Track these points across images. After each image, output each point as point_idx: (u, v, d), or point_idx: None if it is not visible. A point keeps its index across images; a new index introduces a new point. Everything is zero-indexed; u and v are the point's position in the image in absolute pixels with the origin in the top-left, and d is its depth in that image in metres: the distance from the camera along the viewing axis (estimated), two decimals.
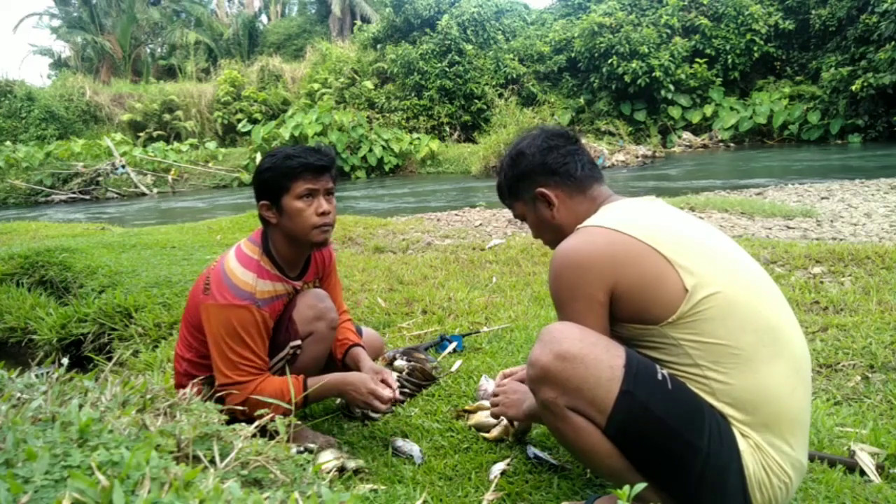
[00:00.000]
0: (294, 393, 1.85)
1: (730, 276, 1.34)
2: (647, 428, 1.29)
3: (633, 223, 1.38)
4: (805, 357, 1.38)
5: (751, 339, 1.30)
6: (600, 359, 1.30)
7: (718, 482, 1.28)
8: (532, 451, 1.91)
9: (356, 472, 1.85)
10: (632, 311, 1.37)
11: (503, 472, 1.82)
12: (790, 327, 1.38)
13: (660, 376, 1.32)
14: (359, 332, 2.39)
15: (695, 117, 18.42)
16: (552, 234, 1.60)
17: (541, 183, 1.58)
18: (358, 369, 2.10)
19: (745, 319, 1.31)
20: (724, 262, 1.37)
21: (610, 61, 18.01)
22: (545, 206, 1.59)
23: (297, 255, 2.01)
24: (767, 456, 1.30)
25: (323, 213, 1.93)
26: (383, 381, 1.98)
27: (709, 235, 1.44)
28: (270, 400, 1.62)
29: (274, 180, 1.90)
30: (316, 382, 1.96)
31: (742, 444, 1.30)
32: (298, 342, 2.00)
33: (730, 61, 18.37)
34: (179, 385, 2.04)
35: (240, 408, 1.64)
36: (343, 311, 2.29)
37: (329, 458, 1.85)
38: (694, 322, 1.31)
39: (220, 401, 1.59)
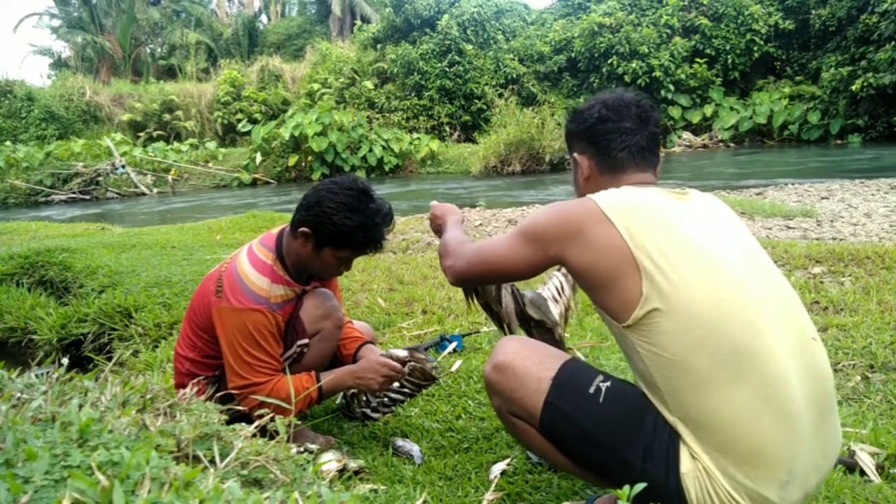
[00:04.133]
0: (313, 394, 1.90)
1: (702, 289, 1.23)
2: (573, 438, 1.36)
3: (625, 211, 1.31)
4: (784, 382, 1.21)
5: (706, 361, 1.20)
6: (529, 370, 1.39)
7: (655, 499, 1.22)
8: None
9: (356, 472, 1.85)
10: (592, 294, 1.35)
11: (503, 472, 1.82)
12: (771, 350, 1.22)
13: (592, 389, 1.34)
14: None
15: (695, 117, 18.41)
16: (579, 196, 1.56)
17: (580, 149, 1.54)
18: None
19: (703, 338, 1.21)
20: (708, 271, 1.25)
21: (610, 61, 18.01)
22: (579, 170, 1.55)
23: (304, 270, 2.05)
24: (717, 483, 1.20)
25: (340, 272, 2.04)
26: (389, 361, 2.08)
27: (714, 241, 1.30)
28: (279, 403, 1.62)
29: (334, 235, 1.87)
30: (327, 377, 1.99)
31: (688, 465, 1.23)
32: (306, 341, 2.01)
33: (730, 61, 18.36)
34: (180, 385, 2.04)
35: (258, 411, 1.64)
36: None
37: (330, 459, 1.85)
38: (648, 331, 1.24)
39: (223, 400, 1.59)
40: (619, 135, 1.47)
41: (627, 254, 1.26)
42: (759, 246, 1.39)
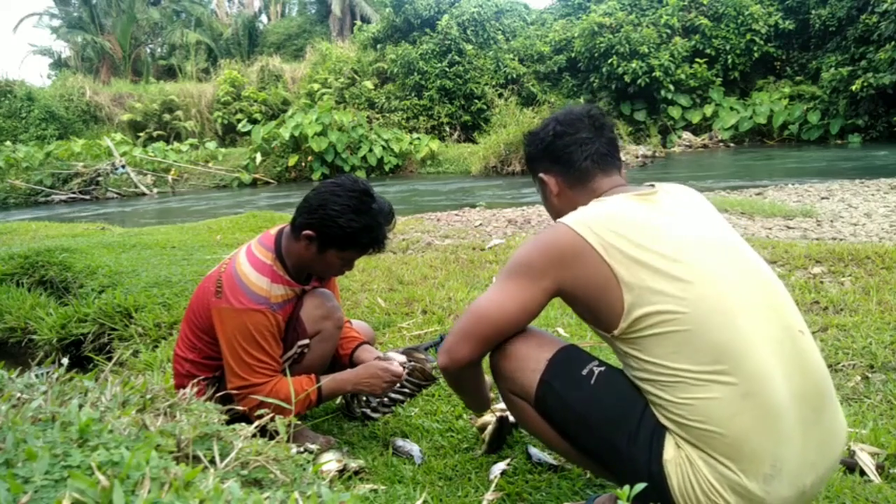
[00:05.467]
0: (312, 395, 1.91)
1: (680, 293, 1.25)
2: (564, 417, 1.41)
3: (598, 225, 1.32)
4: (765, 377, 1.22)
5: (688, 361, 1.24)
6: (528, 352, 1.45)
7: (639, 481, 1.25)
8: (532, 451, 1.91)
9: (356, 472, 1.85)
10: (586, 313, 1.40)
11: (503, 472, 1.82)
12: (751, 346, 1.23)
13: (585, 371, 1.39)
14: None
15: (695, 117, 18.41)
16: (554, 216, 1.60)
17: (543, 168, 1.58)
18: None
19: (685, 340, 1.24)
20: (684, 274, 1.26)
21: (610, 61, 18.01)
22: (547, 190, 1.58)
23: (304, 270, 2.04)
24: (699, 472, 1.24)
25: (343, 272, 2.05)
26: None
27: (687, 237, 1.32)
28: (279, 403, 1.62)
29: (339, 237, 1.88)
30: (327, 381, 1.98)
31: (671, 453, 1.27)
32: (306, 341, 2.01)
33: (730, 61, 18.36)
34: (180, 386, 2.04)
35: (258, 411, 1.64)
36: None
37: (330, 459, 1.85)
38: (635, 339, 1.29)
39: (223, 400, 1.59)
40: (577, 146, 1.51)
41: (606, 268, 1.29)
42: (737, 236, 1.40)
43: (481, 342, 1.44)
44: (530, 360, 1.44)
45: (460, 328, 1.45)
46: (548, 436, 1.49)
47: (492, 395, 1.99)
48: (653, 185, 1.46)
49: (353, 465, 1.86)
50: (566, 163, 1.52)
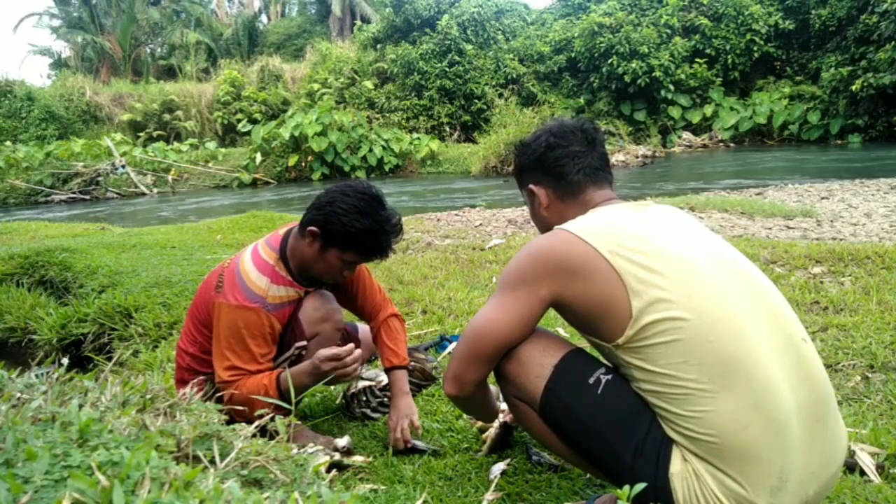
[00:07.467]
0: (270, 389, 1.85)
1: (687, 301, 1.24)
2: (569, 425, 1.38)
3: (601, 232, 1.33)
4: (772, 388, 1.21)
5: (693, 374, 1.22)
6: (533, 357, 1.41)
7: (643, 496, 1.24)
8: (532, 451, 1.91)
9: (356, 472, 1.85)
10: (582, 323, 1.37)
11: (503, 472, 1.82)
12: (757, 357, 1.22)
13: (592, 380, 1.35)
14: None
15: (695, 117, 18.41)
16: (542, 228, 1.61)
17: (534, 180, 1.58)
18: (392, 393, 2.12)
19: (690, 352, 1.22)
20: (689, 283, 1.26)
21: (610, 61, 18.01)
22: (536, 201, 1.58)
23: (308, 271, 2.02)
24: (705, 487, 1.22)
25: (343, 277, 2.03)
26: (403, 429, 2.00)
27: (688, 249, 1.33)
28: (271, 400, 1.62)
29: (341, 236, 1.88)
30: (285, 374, 1.90)
31: (677, 466, 1.25)
32: (304, 343, 2.01)
33: (730, 61, 18.37)
34: (180, 379, 2.06)
35: (238, 407, 1.65)
36: (385, 310, 2.25)
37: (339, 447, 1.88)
38: (640, 348, 1.26)
39: (222, 400, 1.59)
40: (570, 159, 1.52)
41: (614, 275, 1.27)
42: (733, 249, 1.41)
43: (484, 362, 1.42)
44: (535, 366, 1.40)
45: (462, 353, 1.43)
46: (550, 441, 1.46)
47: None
48: (646, 200, 1.49)
49: (359, 459, 1.88)
50: (557, 175, 1.53)
